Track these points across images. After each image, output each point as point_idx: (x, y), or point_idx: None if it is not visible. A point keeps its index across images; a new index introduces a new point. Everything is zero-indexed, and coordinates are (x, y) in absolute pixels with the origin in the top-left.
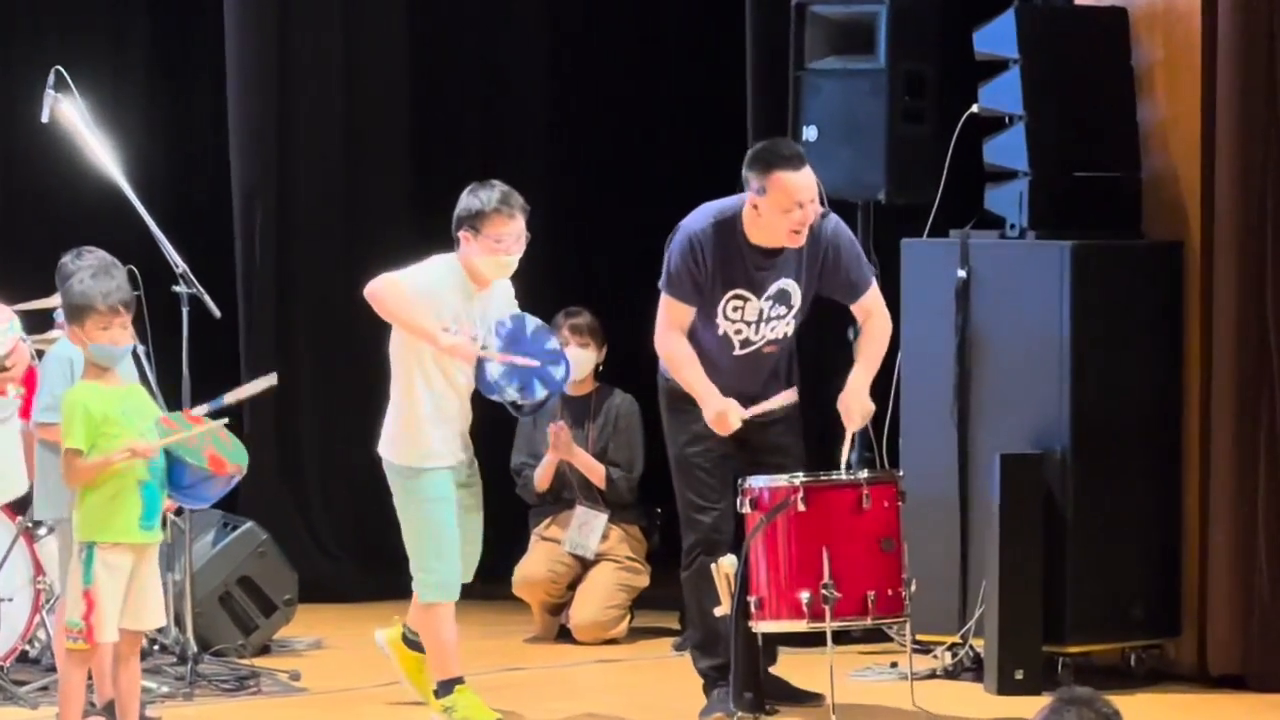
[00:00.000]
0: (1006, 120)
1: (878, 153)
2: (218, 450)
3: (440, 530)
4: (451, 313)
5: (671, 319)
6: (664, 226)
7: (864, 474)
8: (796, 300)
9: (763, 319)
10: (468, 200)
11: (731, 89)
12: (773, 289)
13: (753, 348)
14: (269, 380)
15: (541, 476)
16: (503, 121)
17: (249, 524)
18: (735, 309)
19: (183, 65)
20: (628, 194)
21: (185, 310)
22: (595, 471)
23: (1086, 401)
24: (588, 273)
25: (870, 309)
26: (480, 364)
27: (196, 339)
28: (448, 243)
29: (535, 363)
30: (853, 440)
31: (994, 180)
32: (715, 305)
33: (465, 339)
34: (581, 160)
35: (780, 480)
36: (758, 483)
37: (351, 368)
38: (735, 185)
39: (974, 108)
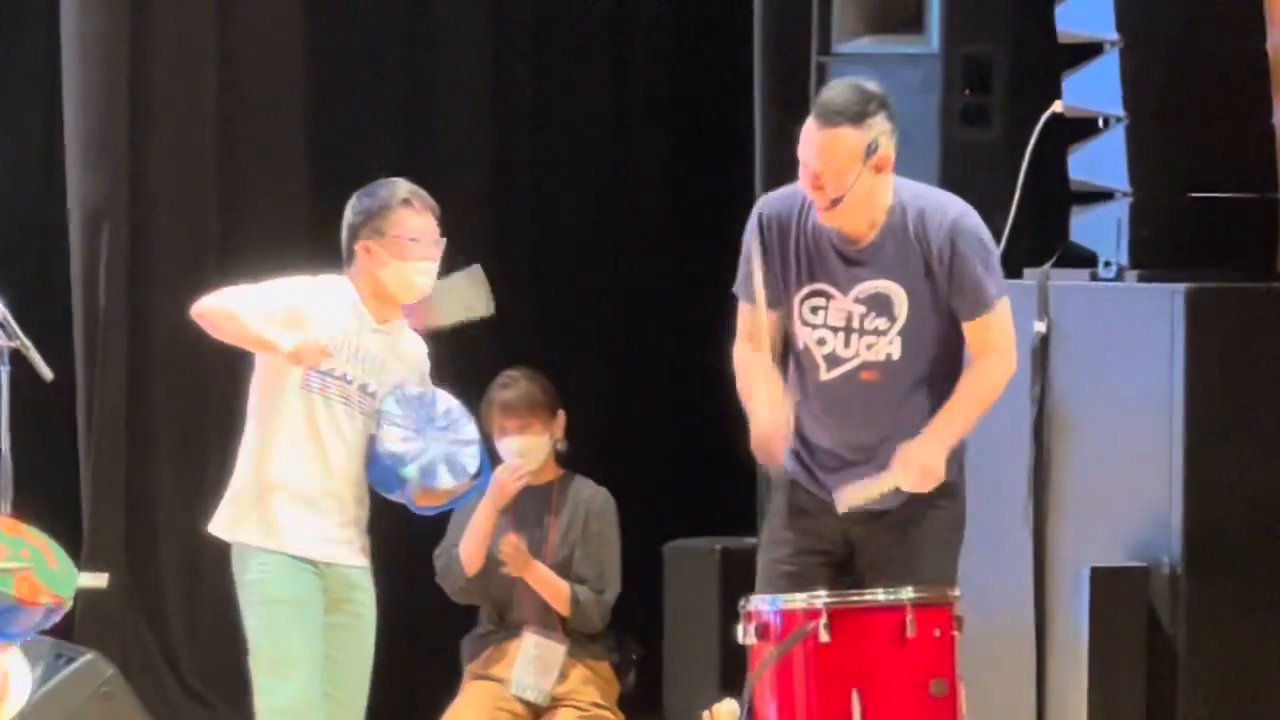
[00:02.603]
0: (1100, 123)
1: (928, 165)
2: (33, 570)
3: (280, 635)
4: (330, 345)
5: (743, 329)
6: (647, 264)
7: (908, 592)
8: (902, 311)
9: (853, 329)
10: (361, 202)
11: (734, 82)
12: (864, 289)
13: (844, 368)
14: (98, 580)
15: (471, 552)
16: (432, 120)
17: (90, 655)
18: (815, 309)
19: (2, 52)
20: (597, 221)
21: (3, 370)
22: (556, 591)
23: (1205, 498)
24: (539, 326)
25: (989, 340)
26: (370, 438)
27: (20, 407)
28: None
29: (436, 455)
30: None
31: (1083, 202)
32: (791, 303)
33: (311, 339)
34: (538, 177)
35: (796, 600)
36: (765, 604)
37: (227, 445)
38: (741, 208)
39: (1056, 106)
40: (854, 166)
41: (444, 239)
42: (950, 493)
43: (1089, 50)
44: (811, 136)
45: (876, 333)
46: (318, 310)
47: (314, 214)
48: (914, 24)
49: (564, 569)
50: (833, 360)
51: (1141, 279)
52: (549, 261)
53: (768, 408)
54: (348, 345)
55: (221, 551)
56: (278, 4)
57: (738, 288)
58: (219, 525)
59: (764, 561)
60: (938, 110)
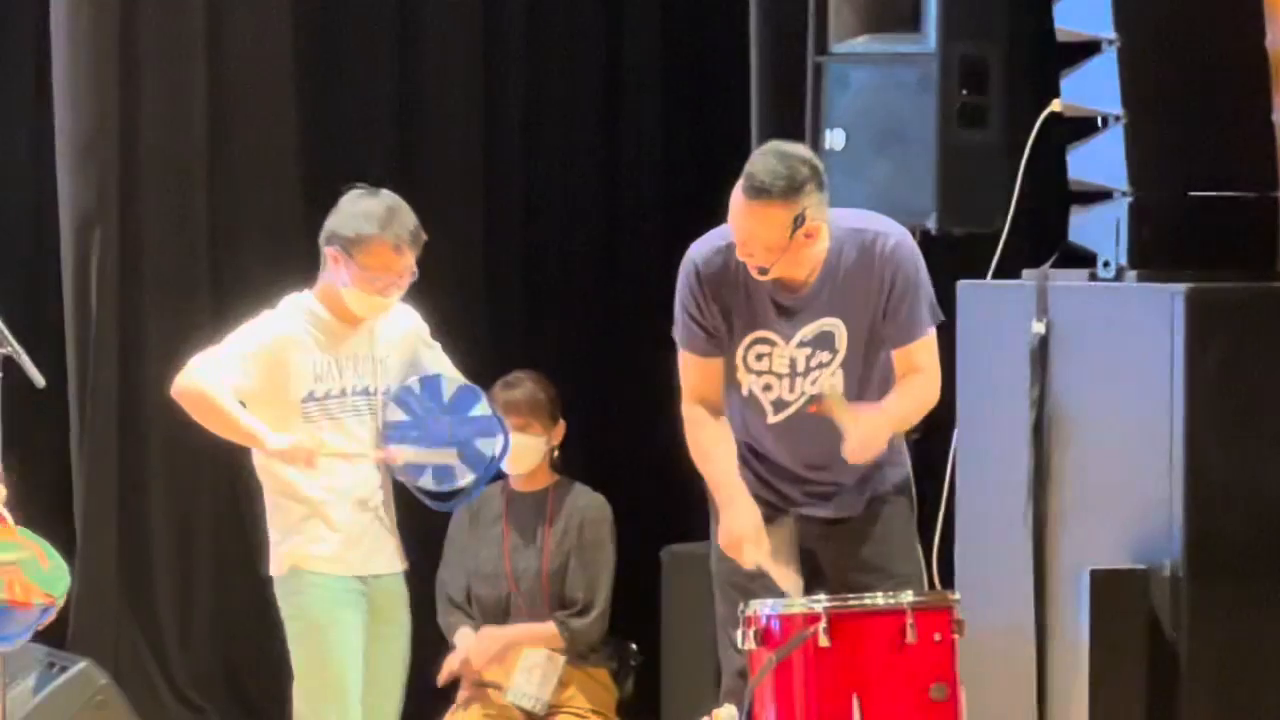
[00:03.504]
0: (1099, 122)
1: (925, 165)
2: (25, 571)
3: (325, 662)
4: (314, 371)
5: (687, 383)
6: (643, 269)
7: (908, 596)
8: (843, 345)
9: (797, 371)
10: (347, 212)
11: (731, 84)
12: (808, 331)
13: (788, 410)
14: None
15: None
16: (423, 124)
17: (83, 664)
18: (759, 357)
19: None
20: (591, 226)
21: None
22: (544, 639)
23: (1206, 500)
24: (534, 330)
25: (916, 364)
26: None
27: (12, 414)
28: None
29: (449, 456)
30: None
31: (1082, 202)
32: (734, 354)
33: (305, 441)
34: (530, 183)
35: (796, 605)
36: (765, 608)
37: (220, 452)
38: None
39: (1054, 105)
40: (782, 240)
41: (416, 274)
42: (903, 489)
43: (1087, 49)
44: (739, 207)
45: (820, 366)
46: (296, 352)
47: (306, 217)
48: (911, 23)
49: (559, 576)
50: (779, 405)
51: (1141, 279)
52: (543, 266)
53: (741, 503)
54: (331, 361)
55: (215, 560)
56: (267, 7)
57: (678, 335)
58: (272, 567)
59: (722, 570)
60: (935, 110)
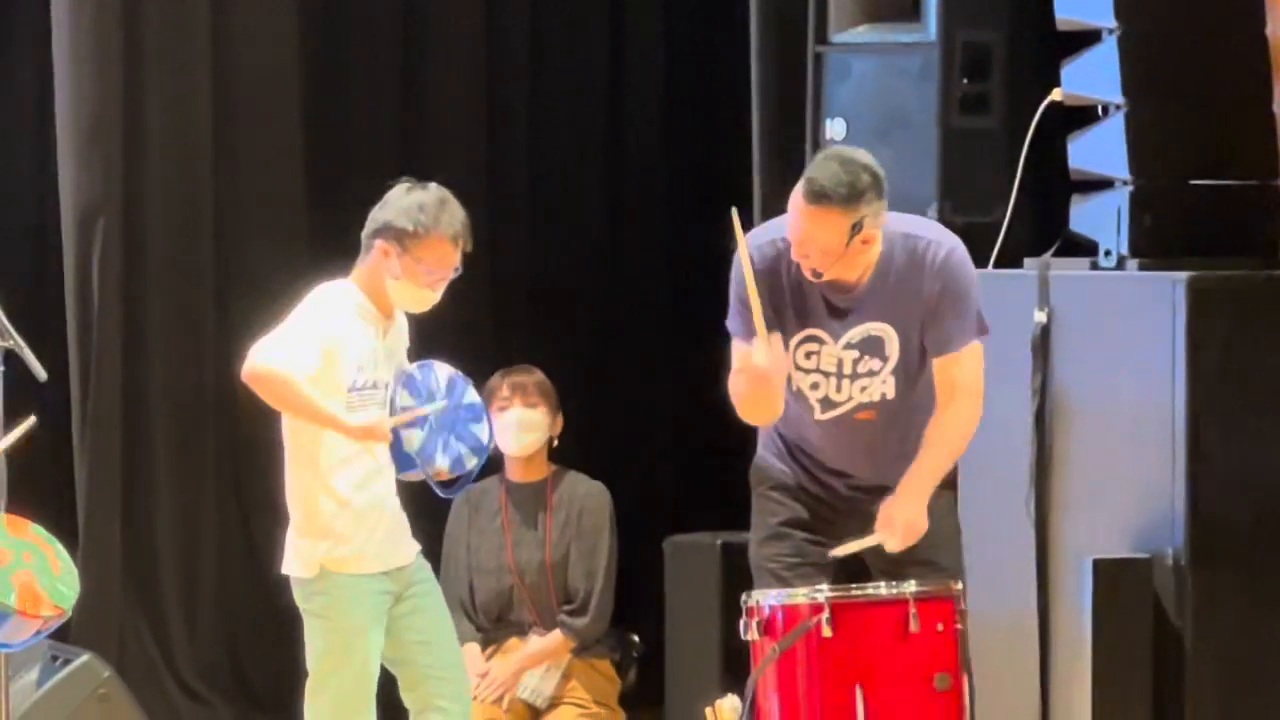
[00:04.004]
0: (1099, 110)
1: (927, 154)
2: (37, 578)
3: (349, 665)
4: (358, 361)
5: (733, 361)
6: (645, 261)
7: (911, 586)
8: (894, 351)
9: (844, 373)
10: (399, 205)
11: (732, 74)
12: (856, 334)
13: (837, 411)
14: (24, 426)
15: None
16: (426, 116)
17: (86, 657)
18: (809, 355)
19: None
20: (593, 216)
21: None
22: (552, 651)
23: (1208, 488)
24: (535, 320)
25: (956, 379)
26: (395, 434)
27: (13, 408)
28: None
29: (439, 405)
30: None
31: (1083, 191)
32: (786, 345)
33: (377, 415)
34: (532, 172)
35: (799, 595)
36: (768, 599)
37: (224, 443)
38: (739, 200)
39: (1055, 94)
40: (839, 246)
41: (460, 269)
42: (949, 481)
43: (1088, 37)
44: (798, 210)
45: (870, 374)
46: (353, 342)
47: (309, 208)
48: (912, 12)
49: (561, 567)
50: (827, 404)
51: (1142, 267)
52: (545, 256)
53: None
54: (373, 352)
55: (218, 552)
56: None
57: (731, 325)
58: (290, 566)
59: (763, 556)
60: (936, 99)
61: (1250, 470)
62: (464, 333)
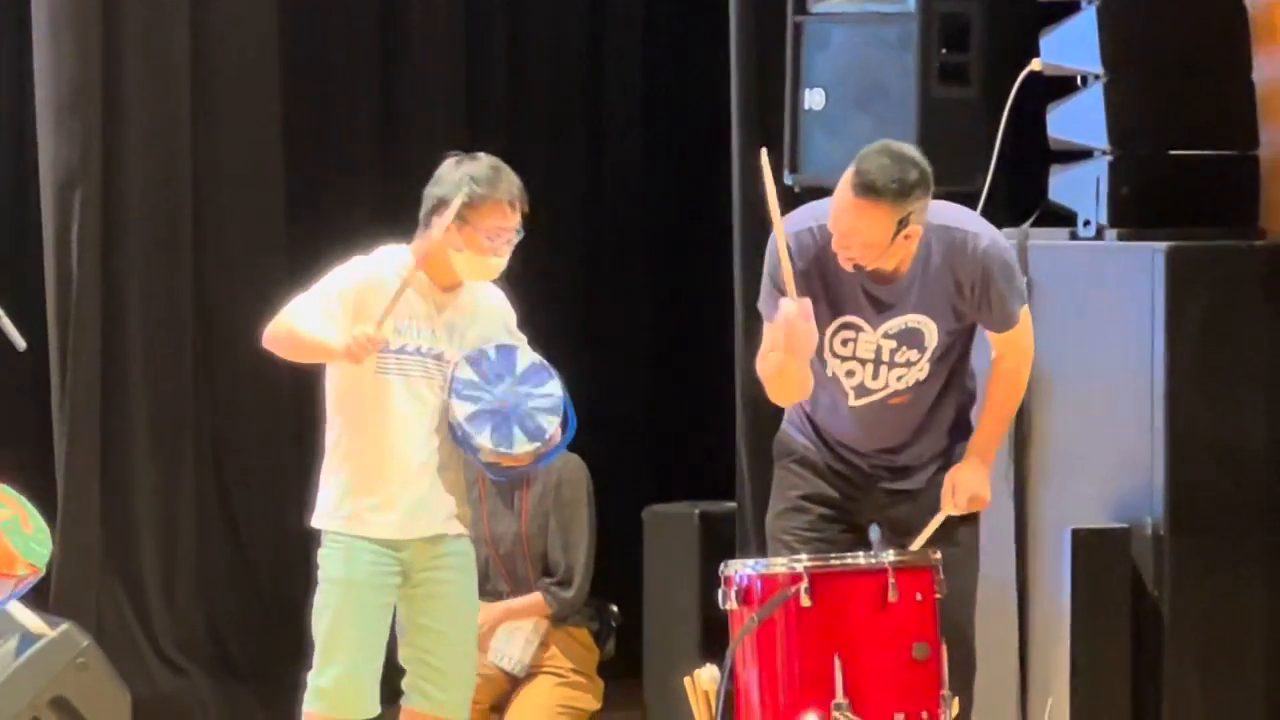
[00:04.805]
0: (1078, 81)
1: (905, 124)
2: (9, 538)
3: (330, 618)
4: (393, 323)
5: (764, 343)
6: (620, 234)
7: (890, 555)
8: (933, 342)
9: (882, 361)
10: (454, 178)
11: (712, 44)
12: (894, 324)
13: (871, 398)
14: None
15: None
16: (407, 84)
17: (65, 625)
18: (845, 343)
19: None
20: (574, 185)
21: None
22: (535, 607)
23: (1186, 458)
24: (516, 290)
25: (1018, 342)
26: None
27: None
28: (337, 249)
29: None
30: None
31: (1062, 161)
32: (821, 335)
33: (369, 327)
34: (512, 148)
35: (778, 564)
36: (746, 568)
37: (204, 416)
38: (716, 172)
39: (1034, 64)
40: (883, 240)
41: (522, 233)
42: None
43: (1067, 8)
44: (845, 203)
45: (907, 364)
46: (374, 289)
47: (288, 178)
48: None
49: (538, 540)
50: (861, 390)
51: (1121, 238)
52: (526, 224)
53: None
54: (415, 317)
55: (197, 521)
56: None
57: (761, 306)
58: (315, 518)
59: (779, 528)
60: (915, 69)
61: (1228, 440)
62: None
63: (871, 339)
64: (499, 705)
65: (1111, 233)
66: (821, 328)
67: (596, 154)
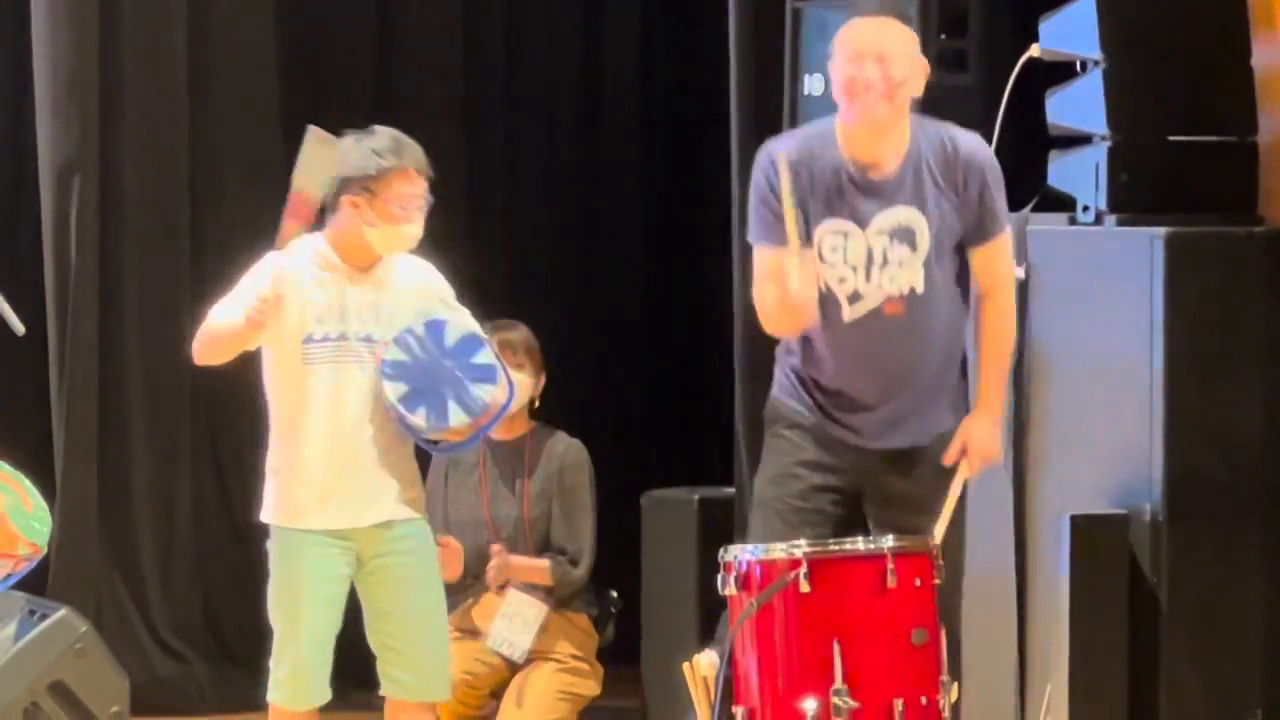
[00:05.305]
0: (1078, 66)
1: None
2: (11, 517)
3: (284, 616)
4: (315, 312)
5: (757, 272)
6: (619, 219)
7: (889, 541)
8: (924, 242)
9: (874, 262)
10: (355, 154)
11: (711, 31)
12: (887, 221)
13: (866, 306)
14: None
15: (450, 563)
16: (405, 73)
17: (63, 611)
18: (834, 249)
19: None
20: (572, 172)
21: None
22: (538, 572)
23: (1185, 444)
24: (514, 276)
25: (996, 270)
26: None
27: None
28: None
29: (442, 396)
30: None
31: (1061, 147)
32: (811, 233)
33: (263, 291)
34: (510, 130)
35: (777, 550)
36: (745, 554)
37: (201, 402)
38: (715, 157)
39: (1033, 49)
40: (908, 59)
41: (432, 198)
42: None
43: None
44: (857, 27)
45: (899, 263)
46: (289, 279)
47: (287, 162)
48: None
49: (540, 525)
50: (854, 297)
51: (1121, 223)
52: (523, 211)
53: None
54: (334, 305)
55: (195, 507)
56: None
57: (756, 235)
58: (262, 513)
59: (769, 495)
60: None
61: (1227, 426)
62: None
63: (862, 241)
64: (499, 691)
65: (1110, 218)
66: (813, 228)
67: (593, 139)
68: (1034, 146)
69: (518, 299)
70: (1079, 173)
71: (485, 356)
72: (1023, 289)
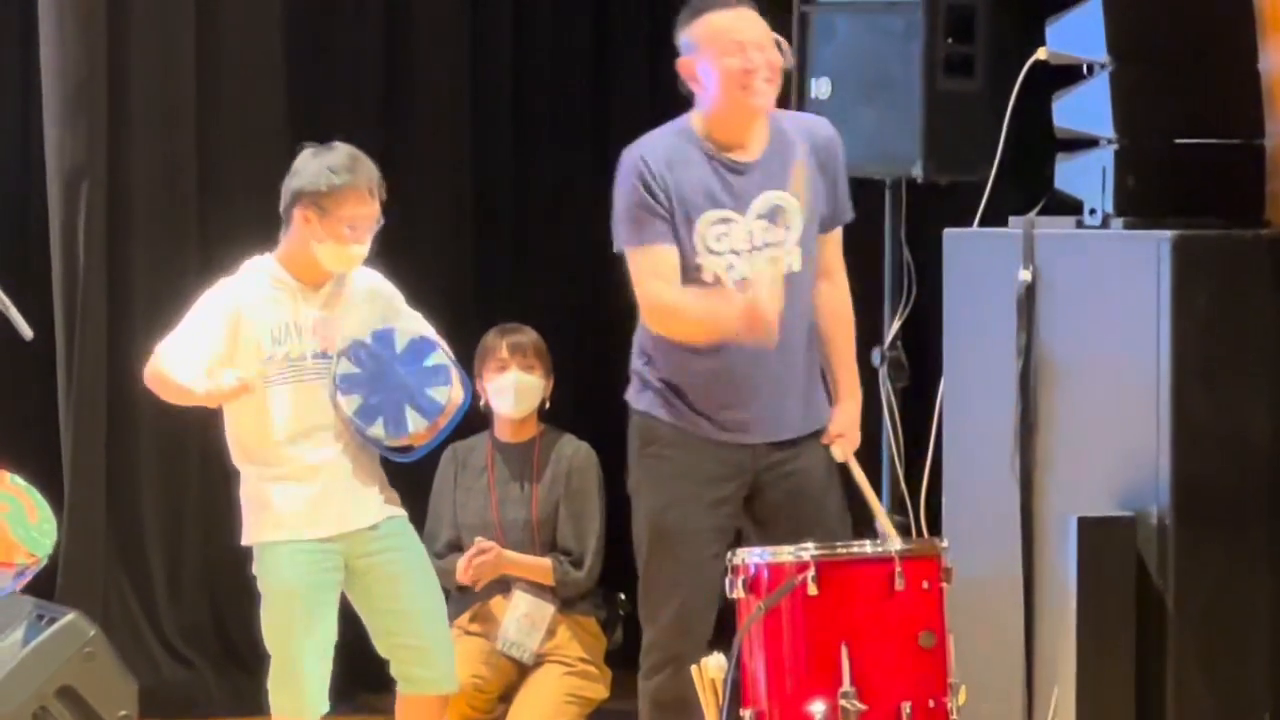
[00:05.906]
0: (1085, 69)
1: (911, 114)
2: (11, 527)
3: (282, 634)
4: (272, 334)
5: (652, 284)
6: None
7: (896, 544)
8: (796, 221)
9: (755, 247)
10: (310, 169)
11: None
12: (762, 204)
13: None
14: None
15: (463, 567)
16: (410, 78)
17: (71, 616)
18: (720, 237)
19: None
20: (579, 175)
21: None
22: (539, 571)
23: (1192, 447)
24: (521, 280)
25: (838, 253)
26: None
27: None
28: None
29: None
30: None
31: (1068, 150)
32: (693, 238)
33: (228, 377)
34: (518, 135)
35: (785, 553)
36: (754, 557)
37: (208, 407)
38: None
39: (1040, 53)
40: (774, 42)
41: (382, 220)
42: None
43: None
44: (732, 17)
45: (777, 245)
46: (246, 305)
47: None
48: None
49: (548, 527)
50: (743, 286)
51: (1127, 226)
52: (530, 214)
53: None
54: (290, 324)
55: (203, 512)
56: None
57: (632, 238)
58: (244, 535)
59: (673, 522)
60: (921, 59)
61: (1234, 430)
62: (447, 291)
63: (744, 225)
64: (507, 694)
65: (1117, 221)
66: (694, 223)
67: (601, 139)
68: (1041, 149)
69: (524, 301)
70: (1086, 176)
71: (436, 358)
72: (1030, 292)
